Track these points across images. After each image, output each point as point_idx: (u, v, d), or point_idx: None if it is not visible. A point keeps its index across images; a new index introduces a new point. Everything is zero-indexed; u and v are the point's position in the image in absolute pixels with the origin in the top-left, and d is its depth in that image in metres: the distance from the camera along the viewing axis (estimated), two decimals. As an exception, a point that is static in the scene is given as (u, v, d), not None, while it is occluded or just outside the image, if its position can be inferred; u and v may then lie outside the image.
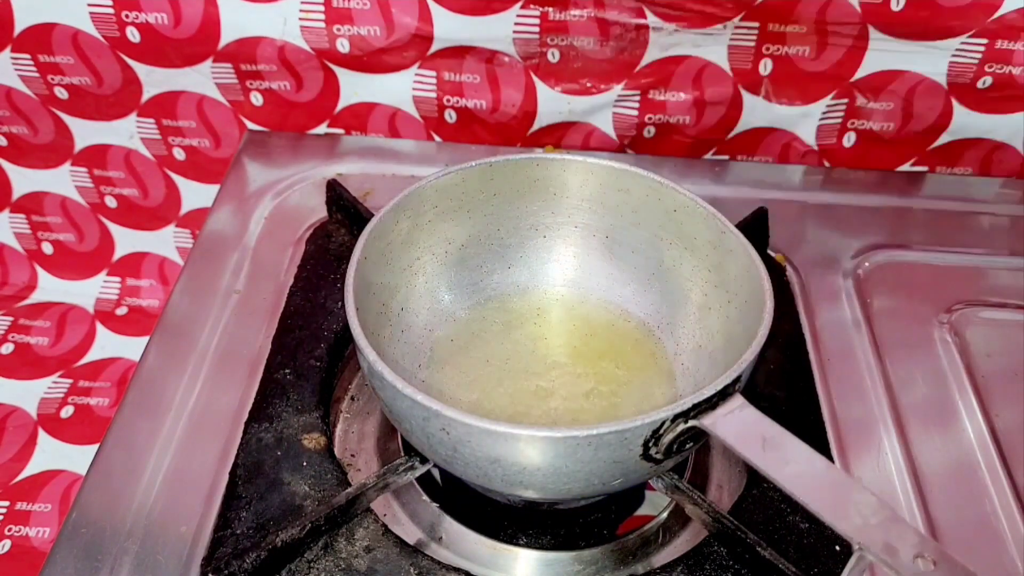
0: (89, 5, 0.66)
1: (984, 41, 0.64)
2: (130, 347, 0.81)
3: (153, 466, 0.47)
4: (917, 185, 0.71)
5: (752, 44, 0.67)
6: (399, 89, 0.71)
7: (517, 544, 0.45)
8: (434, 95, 0.71)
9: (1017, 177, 0.73)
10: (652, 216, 0.49)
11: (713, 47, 0.67)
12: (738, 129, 0.72)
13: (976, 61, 0.66)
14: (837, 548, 0.42)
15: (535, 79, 0.69)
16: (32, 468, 0.71)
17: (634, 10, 0.65)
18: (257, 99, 0.72)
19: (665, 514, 0.47)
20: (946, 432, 0.51)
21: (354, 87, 0.71)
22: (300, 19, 0.66)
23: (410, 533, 0.46)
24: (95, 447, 0.48)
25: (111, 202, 0.81)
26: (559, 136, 0.73)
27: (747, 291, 0.44)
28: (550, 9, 0.65)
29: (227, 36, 0.67)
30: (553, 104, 0.71)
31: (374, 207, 0.55)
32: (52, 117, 0.74)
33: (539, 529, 0.46)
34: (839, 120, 0.71)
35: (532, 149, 0.73)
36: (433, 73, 0.70)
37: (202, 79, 0.70)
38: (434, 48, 0.68)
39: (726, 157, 0.74)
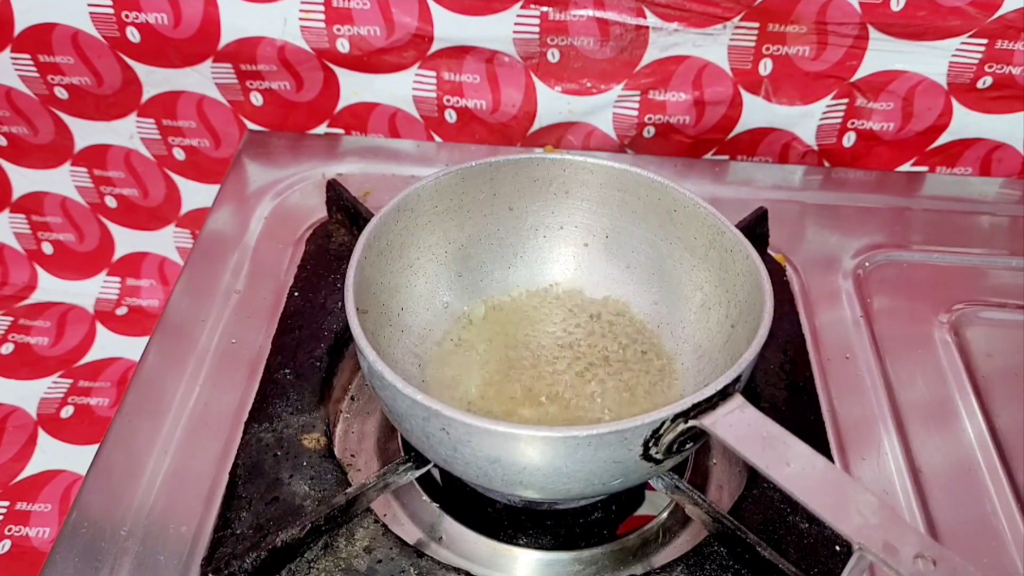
0: (89, 5, 0.66)
1: (984, 41, 0.64)
2: (130, 347, 0.81)
3: (153, 466, 0.47)
4: (917, 185, 0.71)
5: (752, 44, 0.67)
6: (399, 89, 0.71)
7: (517, 544, 0.45)
8: (434, 95, 0.71)
9: (1017, 177, 0.73)
10: (652, 216, 0.49)
11: (713, 47, 0.67)
12: (738, 129, 0.72)
13: (976, 61, 0.66)
14: (837, 548, 0.42)
15: (535, 79, 0.69)
16: (32, 468, 0.71)
17: (634, 10, 0.65)
18: (257, 99, 0.72)
19: (665, 514, 0.47)
20: (946, 432, 0.51)
21: (354, 87, 0.71)
22: (300, 19, 0.66)
23: (410, 533, 0.46)
24: (95, 447, 0.48)
25: (111, 202, 0.81)
26: (559, 136, 0.73)
27: (747, 291, 0.44)
28: (550, 9, 0.65)
29: (227, 36, 0.67)
30: (553, 104, 0.71)
31: (374, 207, 0.55)
32: (52, 117, 0.74)
33: (539, 529, 0.46)
34: (839, 120, 0.71)
35: (532, 149, 0.73)
36: (433, 73, 0.70)
37: (202, 79, 0.70)
38: (434, 48, 0.68)
39: (726, 157, 0.74)
